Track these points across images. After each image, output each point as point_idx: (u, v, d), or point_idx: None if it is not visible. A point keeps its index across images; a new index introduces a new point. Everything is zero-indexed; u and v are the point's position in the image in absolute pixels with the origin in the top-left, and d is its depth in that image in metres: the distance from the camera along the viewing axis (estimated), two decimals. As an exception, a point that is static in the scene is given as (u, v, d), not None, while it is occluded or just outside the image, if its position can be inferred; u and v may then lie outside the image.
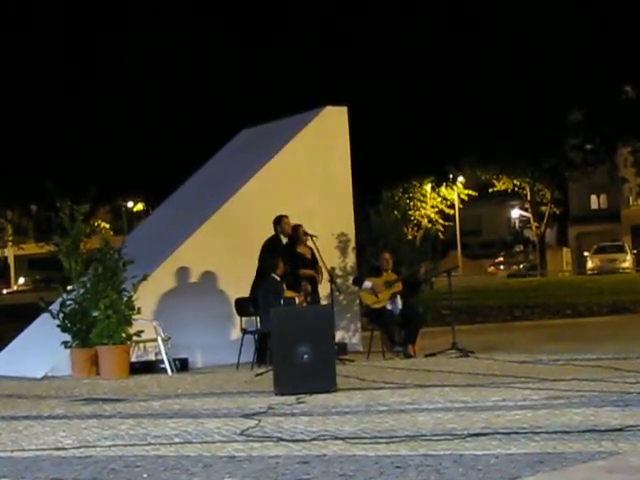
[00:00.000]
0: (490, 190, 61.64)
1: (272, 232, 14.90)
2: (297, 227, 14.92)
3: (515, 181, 58.80)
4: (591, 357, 12.84)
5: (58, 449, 7.52)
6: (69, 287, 14.63)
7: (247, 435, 7.72)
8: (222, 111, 26.64)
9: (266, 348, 14.13)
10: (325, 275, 14.64)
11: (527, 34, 26.99)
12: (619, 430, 7.07)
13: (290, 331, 10.64)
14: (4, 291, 66.80)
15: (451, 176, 45.82)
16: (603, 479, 5.60)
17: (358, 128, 17.14)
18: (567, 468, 5.93)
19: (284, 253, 14.59)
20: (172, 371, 13.86)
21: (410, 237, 18.29)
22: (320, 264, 14.70)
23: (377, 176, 27.48)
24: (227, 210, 15.60)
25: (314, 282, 14.84)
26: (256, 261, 14.76)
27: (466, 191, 58.08)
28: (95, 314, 13.82)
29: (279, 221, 14.89)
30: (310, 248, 14.87)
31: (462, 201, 60.61)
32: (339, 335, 15.38)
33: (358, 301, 16.03)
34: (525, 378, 10.81)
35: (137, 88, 27.26)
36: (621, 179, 46.96)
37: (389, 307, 14.84)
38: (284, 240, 14.91)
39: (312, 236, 14.53)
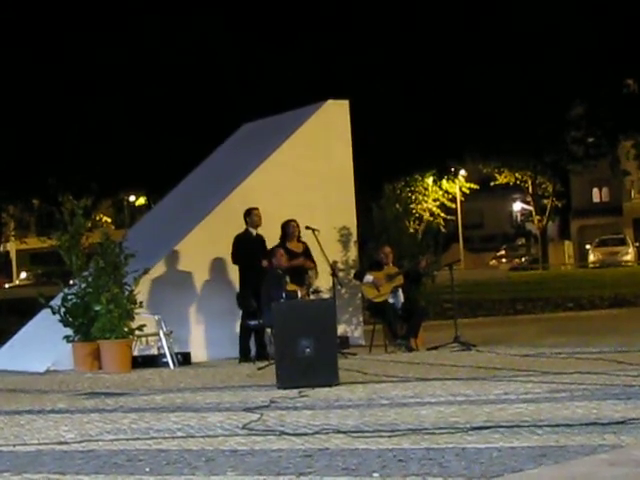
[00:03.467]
0: (492, 183, 61.62)
1: (274, 226, 14.86)
2: (288, 222, 14.86)
3: (517, 174, 58.75)
4: (593, 350, 12.83)
5: (60, 443, 7.52)
6: (71, 282, 14.63)
7: (249, 429, 7.72)
8: (223, 105, 26.64)
9: (264, 342, 14.19)
10: (327, 269, 14.61)
11: (528, 28, 26.97)
12: (621, 423, 7.06)
13: (292, 325, 10.64)
14: (6, 285, 66.77)
15: (453, 169, 45.79)
16: (605, 472, 5.59)
17: (360, 121, 17.13)
18: (569, 461, 5.92)
19: (254, 246, 14.55)
20: (174, 365, 13.86)
21: (412, 231, 18.27)
22: (315, 257, 14.67)
23: (379, 169, 27.46)
24: (228, 204, 15.59)
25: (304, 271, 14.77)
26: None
27: (468, 184, 58.03)
28: (97, 308, 13.82)
29: (248, 213, 14.78)
30: (303, 243, 14.85)
31: (464, 194, 60.56)
32: (341, 329, 15.37)
33: (360, 295, 16.03)
34: (527, 371, 10.82)
35: (138, 83, 27.27)
36: (623, 172, 46.81)
37: (391, 301, 14.84)
38: (254, 232, 14.81)
39: (314, 230, 14.50)
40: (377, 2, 26.83)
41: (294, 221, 14.85)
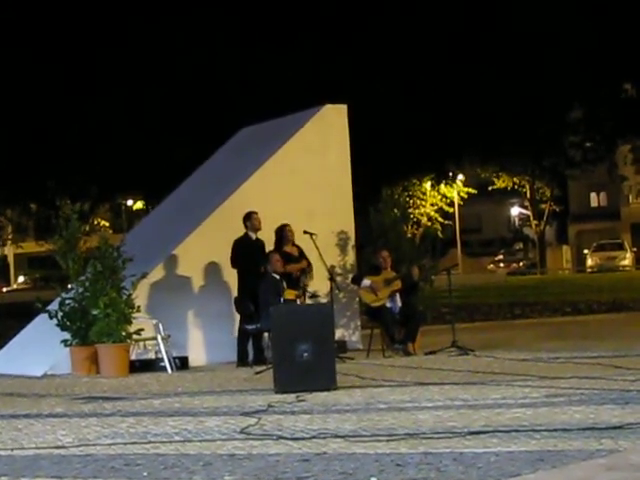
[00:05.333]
0: (490, 188, 61.66)
1: (272, 230, 14.85)
2: (283, 227, 14.84)
3: (515, 179, 58.80)
4: (591, 355, 12.83)
5: (58, 447, 7.51)
6: (69, 286, 14.62)
7: (247, 433, 7.72)
8: (222, 109, 26.64)
9: (261, 346, 14.18)
10: (325, 273, 14.61)
11: (528, 29, 26.98)
12: (619, 428, 7.07)
13: (290, 329, 10.64)
14: (4, 289, 66.76)
15: (451, 174, 45.82)
16: (603, 477, 5.59)
17: (358, 126, 17.13)
18: (567, 466, 5.92)
19: (253, 250, 14.53)
20: (172, 369, 13.85)
21: (410, 235, 18.28)
22: (313, 261, 14.66)
23: (377, 174, 27.46)
24: (226, 208, 15.59)
25: (303, 274, 14.75)
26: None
27: (466, 189, 58.07)
28: (95, 312, 13.80)
29: (248, 217, 14.73)
30: (298, 247, 14.84)
31: (462, 199, 60.59)
32: (339, 333, 15.37)
33: (358, 299, 16.02)
34: (525, 376, 10.81)
35: (138, 86, 27.26)
36: (620, 177, 46.95)
37: (389, 305, 14.83)
38: (254, 236, 14.80)
39: (311, 234, 14.49)
40: (377, 3, 26.84)
41: (288, 225, 14.84)
